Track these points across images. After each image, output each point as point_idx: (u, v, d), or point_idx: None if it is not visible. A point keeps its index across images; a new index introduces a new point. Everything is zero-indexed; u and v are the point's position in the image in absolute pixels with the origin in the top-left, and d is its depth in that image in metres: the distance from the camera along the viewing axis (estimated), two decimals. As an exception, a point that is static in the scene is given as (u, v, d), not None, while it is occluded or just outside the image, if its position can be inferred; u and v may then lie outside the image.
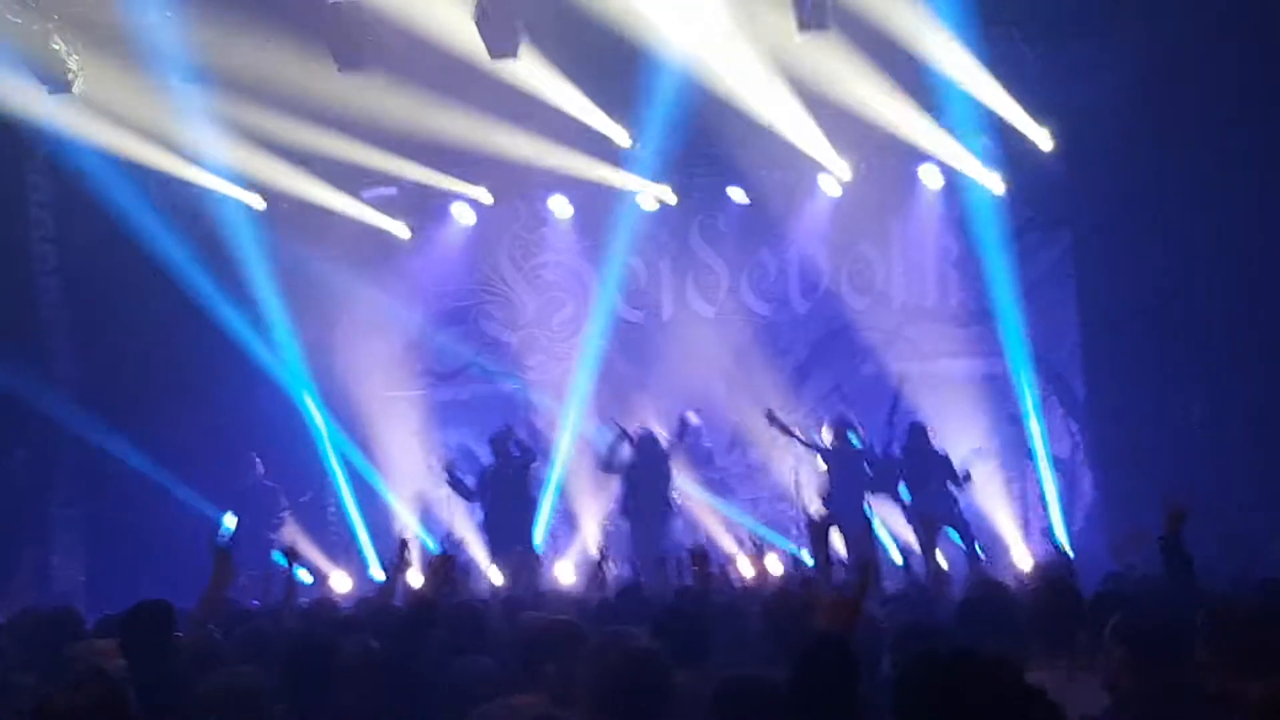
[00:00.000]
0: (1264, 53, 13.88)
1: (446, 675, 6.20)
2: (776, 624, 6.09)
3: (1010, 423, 16.64)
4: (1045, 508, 16.34)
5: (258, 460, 16.22)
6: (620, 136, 16.41)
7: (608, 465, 15.60)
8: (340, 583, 14.91)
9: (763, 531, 16.48)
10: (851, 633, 4.31)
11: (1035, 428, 16.68)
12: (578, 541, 17.02)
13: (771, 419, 15.25)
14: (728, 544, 16.16)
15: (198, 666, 6.04)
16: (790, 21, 13.71)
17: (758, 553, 11.02)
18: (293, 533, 15.66)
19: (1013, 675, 3.44)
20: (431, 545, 15.79)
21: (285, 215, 17.15)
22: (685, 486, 16.39)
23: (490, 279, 18.51)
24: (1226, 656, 4.87)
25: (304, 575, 10.35)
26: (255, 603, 10.64)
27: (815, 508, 14.86)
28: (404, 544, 8.90)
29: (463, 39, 14.05)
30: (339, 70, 14.28)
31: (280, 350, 17.07)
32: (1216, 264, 14.87)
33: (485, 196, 17.79)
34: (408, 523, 16.81)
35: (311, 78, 14.41)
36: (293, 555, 9.85)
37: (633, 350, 17.81)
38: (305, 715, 5.38)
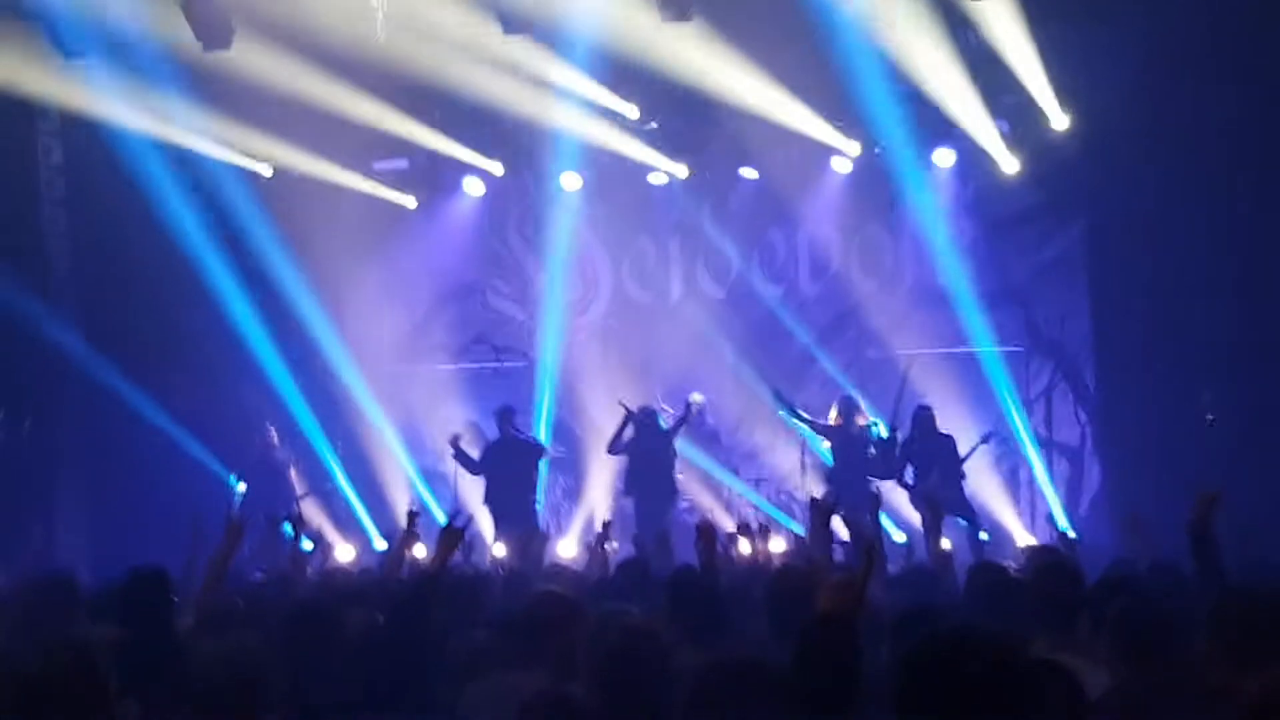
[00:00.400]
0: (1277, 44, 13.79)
1: (447, 649, 6.19)
2: (780, 603, 6.06)
3: (1019, 408, 16.63)
4: (1052, 494, 16.33)
5: (272, 430, 16.19)
6: (630, 111, 16.37)
7: (613, 446, 15.61)
8: (344, 554, 14.90)
9: (767, 511, 16.52)
10: (855, 615, 4.29)
11: (1044, 414, 16.67)
12: (581, 518, 17.05)
13: (779, 399, 15.26)
14: (731, 523, 16.16)
15: (197, 634, 6.04)
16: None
17: (761, 533, 11.00)
18: (306, 504, 15.73)
19: (1016, 652, 3.42)
20: (440, 518, 15.80)
21: (294, 185, 17.07)
22: (689, 466, 16.43)
23: (500, 254, 18.47)
24: (1230, 647, 4.84)
25: (306, 545, 10.33)
26: (259, 572, 10.62)
27: (819, 489, 14.88)
28: (413, 516, 8.90)
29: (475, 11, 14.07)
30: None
31: (289, 323, 17.02)
32: (1229, 256, 14.80)
33: (496, 169, 17.69)
34: (413, 496, 16.86)
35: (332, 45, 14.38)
36: (299, 525, 9.86)
37: (642, 329, 17.78)
38: (304, 685, 5.37)
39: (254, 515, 13.41)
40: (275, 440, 16.17)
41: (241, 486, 15.52)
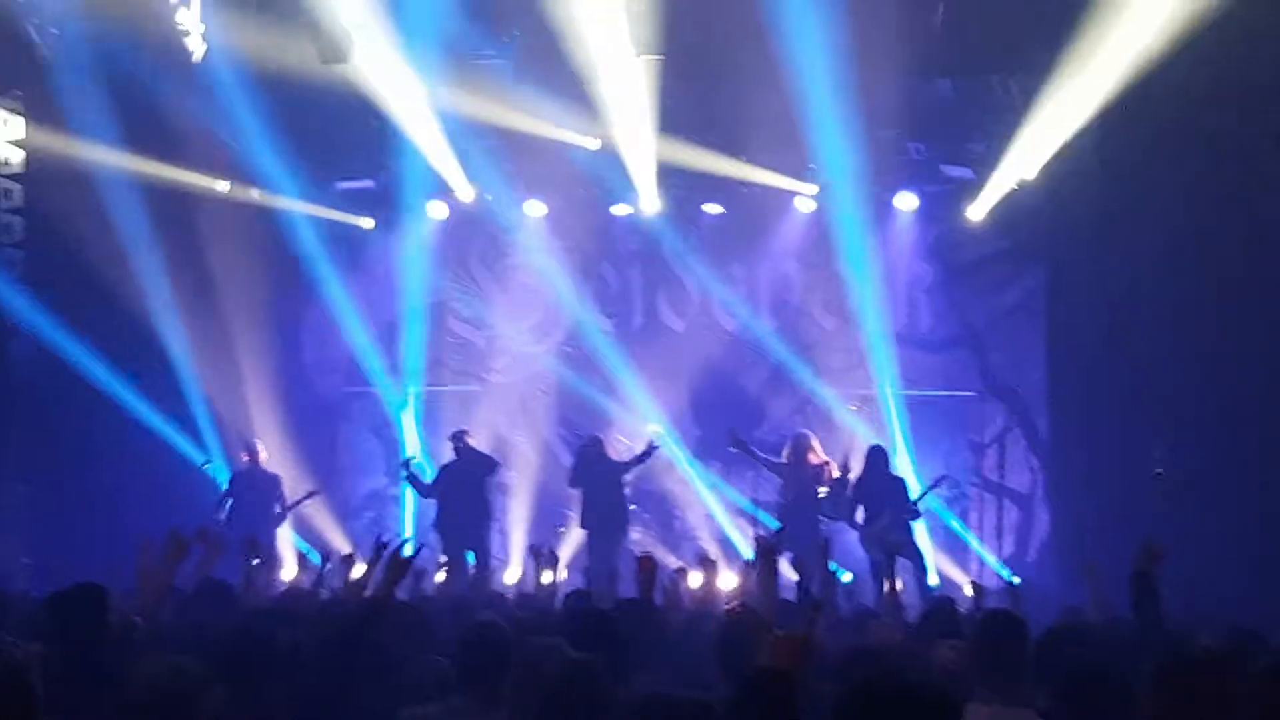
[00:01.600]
0: (1241, 95, 13.90)
1: (385, 674, 6.15)
2: (728, 643, 6.04)
3: (972, 452, 16.69)
4: (999, 540, 16.37)
5: (259, 445, 16.02)
6: (593, 143, 16.41)
7: (572, 479, 15.60)
8: (289, 572, 14.80)
9: (719, 545, 16.51)
10: (796, 671, 4.27)
11: (996, 459, 16.75)
12: (532, 548, 16.95)
13: (734, 439, 15.26)
14: (681, 558, 16.15)
15: (131, 653, 5.96)
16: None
17: (709, 567, 10.98)
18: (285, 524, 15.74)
19: (948, 702, 3.42)
20: (387, 542, 15.67)
21: (253, 202, 16.95)
22: (641, 497, 16.45)
23: (461, 276, 18.42)
24: (1171, 706, 4.84)
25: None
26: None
27: (769, 526, 14.89)
28: (381, 546, 8.83)
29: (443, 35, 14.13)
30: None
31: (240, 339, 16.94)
32: (1188, 311, 14.88)
33: (463, 193, 17.67)
34: (385, 527, 16.75)
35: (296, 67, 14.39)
36: (252, 547, 9.76)
37: (600, 358, 17.74)
38: (239, 707, 5.30)
39: (237, 531, 13.50)
40: (262, 455, 15.94)
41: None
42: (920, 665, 6.31)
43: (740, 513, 16.65)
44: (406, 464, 15.43)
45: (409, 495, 16.30)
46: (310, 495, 15.83)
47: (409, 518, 16.77)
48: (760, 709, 4.17)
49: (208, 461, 15.86)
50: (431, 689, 6.05)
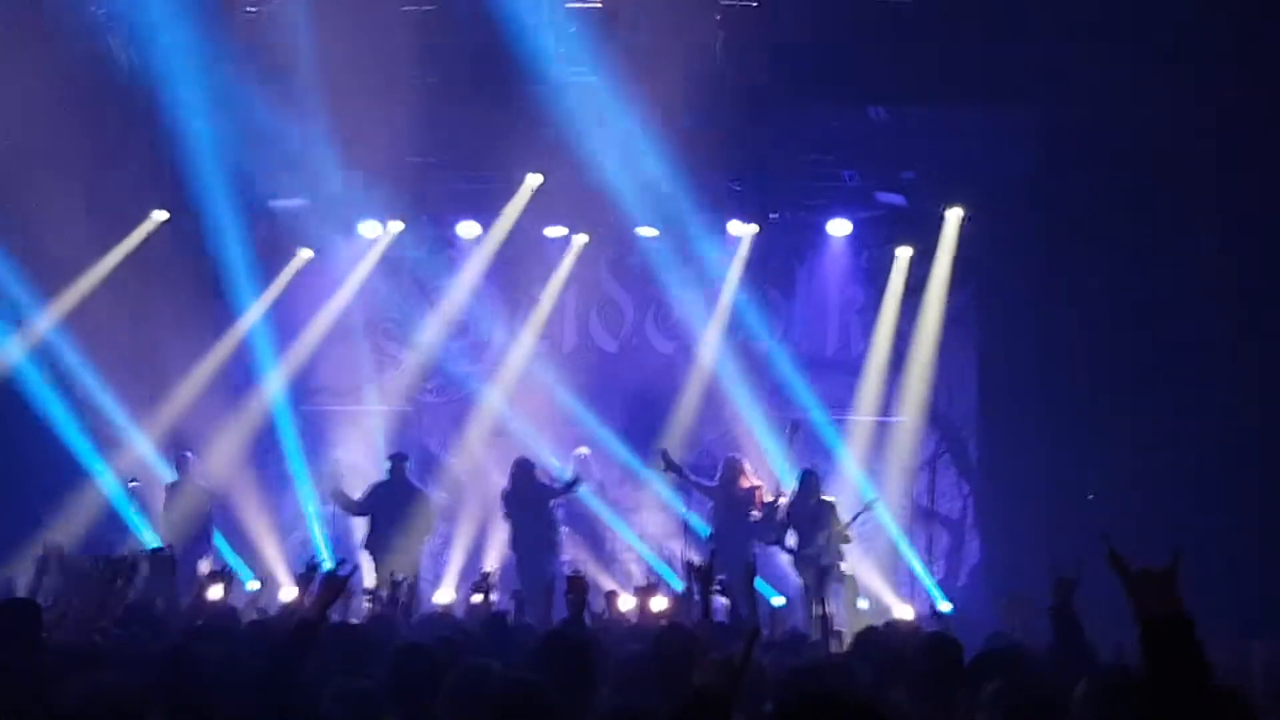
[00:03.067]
0: (1164, 119, 14.09)
1: (317, 696, 6.09)
2: (661, 662, 6.04)
3: (903, 477, 16.76)
4: (930, 565, 16.45)
5: (190, 456, 15.82)
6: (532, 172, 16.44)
7: (502, 503, 15.54)
8: (215, 592, 14.62)
9: (650, 564, 16.52)
10: (731, 697, 4.27)
11: (928, 484, 16.84)
12: (460, 567, 16.89)
13: (665, 460, 15.26)
14: (614, 579, 16.15)
15: (66, 670, 5.87)
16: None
17: (646, 590, 10.98)
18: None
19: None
20: (327, 563, 15.57)
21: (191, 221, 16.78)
22: (572, 519, 16.42)
23: (394, 296, 18.31)
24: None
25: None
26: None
27: (699, 550, 14.88)
28: (313, 569, 8.76)
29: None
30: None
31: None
32: (1118, 335, 15.06)
33: (395, 220, 17.62)
34: (310, 550, 16.63)
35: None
36: (163, 562, 9.62)
37: (533, 378, 17.69)
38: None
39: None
40: (195, 467, 15.74)
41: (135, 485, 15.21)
42: (854, 683, 6.32)
43: (672, 535, 16.65)
44: (335, 478, 15.27)
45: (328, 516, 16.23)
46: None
47: (321, 539, 16.63)
48: None
49: (134, 481, 15.59)
50: (363, 710, 5.99)
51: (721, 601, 9.34)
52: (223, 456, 16.78)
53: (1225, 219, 14.47)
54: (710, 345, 17.58)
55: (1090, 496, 14.52)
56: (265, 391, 17.32)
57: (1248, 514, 14.18)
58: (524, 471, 15.49)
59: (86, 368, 15.95)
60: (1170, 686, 4.16)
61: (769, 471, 15.66)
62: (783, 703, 3.63)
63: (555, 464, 16.36)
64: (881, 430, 16.82)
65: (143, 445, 16.39)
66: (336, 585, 6.27)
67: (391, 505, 15.07)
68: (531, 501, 15.31)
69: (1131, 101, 13.80)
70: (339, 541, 16.53)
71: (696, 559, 9.37)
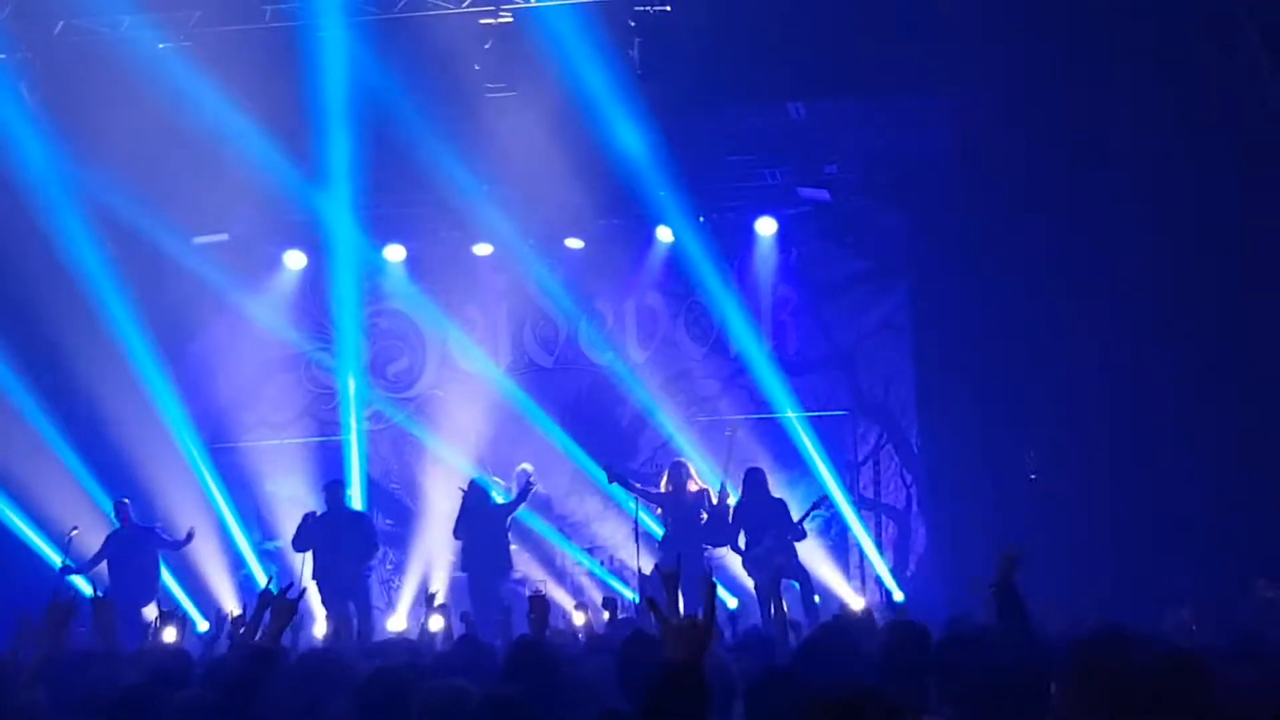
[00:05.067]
0: (1078, 98, 14.23)
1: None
2: (630, 664, 6.00)
3: (846, 471, 16.81)
4: (879, 557, 16.49)
5: (127, 504, 15.58)
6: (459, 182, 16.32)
7: (456, 529, 15.42)
8: (169, 634, 14.43)
9: (601, 578, 16.49)
10: (701, 659, 4.25)
11: (872, 477, 16.90)
12: (410, 592, 16.79)
13: (610, 474, 15.23)
14: (567, 594, 16.10)
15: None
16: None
17: (600, 605, 10.97)
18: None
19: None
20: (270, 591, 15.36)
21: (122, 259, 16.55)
22: (521, 536, 16.35)
23: (324, 326, 18.18)
24: (1083, 701, 4.87)
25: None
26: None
27: (650, 558, 14.85)
28: (267, 595, 8.61)
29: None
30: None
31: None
32: (1050, 316, 15.16)
33: (306, 253, 17.59)
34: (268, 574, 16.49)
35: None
36: (104, 607, 9.42)
37: (469, 399, 17.61)
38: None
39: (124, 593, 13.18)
40: (131, 514, 15.52)
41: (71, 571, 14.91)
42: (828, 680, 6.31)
43: (622, 545, 16.62)
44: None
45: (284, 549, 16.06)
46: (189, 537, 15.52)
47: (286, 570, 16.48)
48: (672, 704, 4.15)
49: (74, 529, 15.27)
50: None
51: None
52: (162, 495, 16.62)
53: (1150, 197, 14.57)
54: (645, 353, 17.58)
55: (1032, 476, 14.63)
56: (190, 432, 17.14)
57: (1189, 483, 14.34)
58: (477, 492, 15.40)
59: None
60: None
61: (712, 474, 15.65)
62: (808, 708, 3.59)
63: (499, 483, 16.27)
64: (822, 425, 16.84)
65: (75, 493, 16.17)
66: (286, 608, 6.16)
67: (332, 533, 14.92)
68: (485, 521, 15.22)
69: (1047, 81, 13.92)
70: (285, 575, 16.36)
71: (658, 566, 9.36)
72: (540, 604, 7.82)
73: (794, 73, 14.66)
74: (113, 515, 15.50)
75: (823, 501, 15.50)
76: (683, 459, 15.74)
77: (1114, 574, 13.61)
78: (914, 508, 16.88)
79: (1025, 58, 13.78)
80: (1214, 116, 13.71)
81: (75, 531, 14.92)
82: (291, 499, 17.24)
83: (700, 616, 4.45)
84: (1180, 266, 14.43)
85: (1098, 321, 14.80)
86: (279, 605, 6.12)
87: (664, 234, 17.14)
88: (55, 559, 14.86)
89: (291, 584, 7.02)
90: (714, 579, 9.26)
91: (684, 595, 9.51)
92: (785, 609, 10.01)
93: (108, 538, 15.29)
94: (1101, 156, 14.44)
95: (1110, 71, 13.84)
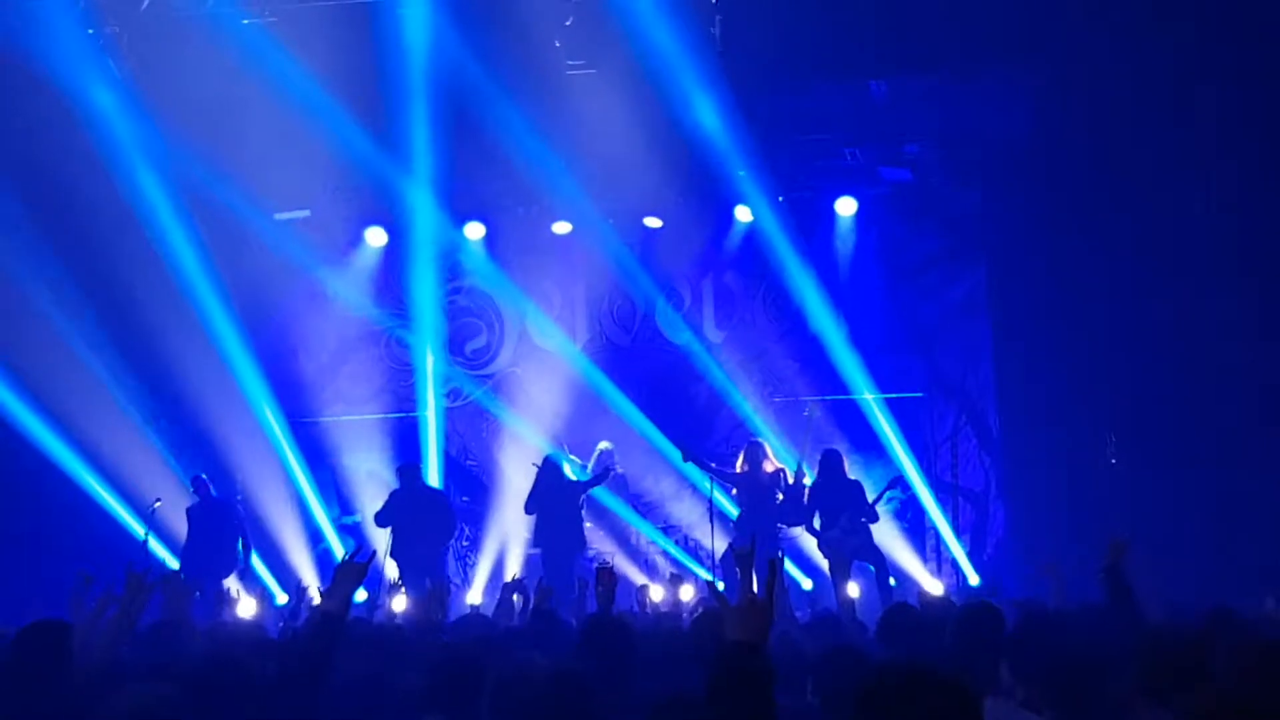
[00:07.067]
0: (1174, 83, 14.03)
1: (356, 697, 6.05)
2: (702, 643, 6.00)
3: (924, 453, 16.70)
4: (956, 539, 16.39)
5: (205, 479, 15.73)
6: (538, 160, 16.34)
7: (528, 505, 15.44)
8: (246, 608, 14.60)
9: (675, 557, 16.50)
10: (764, 638, 4.24)
11: (949, 459, 16.78)
12: (487, 568, 16.86)
13: (686, 453, 15.19)
14: (639, 571, 16.14)
15: (100, 686, 5.83)
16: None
17: (673, 581, 10.95)
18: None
19: (969, 693, 3.41)
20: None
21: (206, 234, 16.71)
22: (597, 514, 16.38)
23: (403, 303, 18.29)
24: (1153, 686, 4.84)
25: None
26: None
27: (725, 537, 14.82)
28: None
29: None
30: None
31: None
32: (1131, 299, 14.99)
33: (386, 230, 17.71)
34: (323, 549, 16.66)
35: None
36: (173, 581, 9.51)
37: (547, 377, 17.66)
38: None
39: (200, 566, 13.31)
40: (211, 490, 15.67)
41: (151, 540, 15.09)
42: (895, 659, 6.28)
43: (697, 525, 16.63)
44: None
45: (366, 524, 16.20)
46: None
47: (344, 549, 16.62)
48: (736, 683, 4.14)
49: (158, 501, 15.45)
50: (405, 710, 5.95)
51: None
52: (243, 470, 16.82)
53: (1237, 180, 14.34)
54: (722, 333, 17.56)
55: (1113, 460, 14.46)
56: (271, 406, 17.29)
57: (1271, 471, 14.14)
58: (550, 468, 15.42)
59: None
60: None
61: (791, 454, 15.60)
62: (868, 686, 3.57)
63: (576, 461, 16.30)
64: (900, 407, 16.75)
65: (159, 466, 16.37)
66: (354, 571, 6.16)
67: (410, 512, 15.02)
68: (560, 498, 15.24)
69: (1130, 53, 13.72)
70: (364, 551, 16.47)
71: (732, 544, 9.34)
72: (608, 576, 7.77)
73: (875, 50, 14.57)
74: (191, 489, 15.68)
75: (898, 482, 15.43)
76: (759, 439, 15.69)
77: (1195, 562, 13.42)
78: (992, 490, 16.74)
79: (1108, 36, 13.58)
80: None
81: (159, 504, 15.09)
82: (370, 474, 17.40)
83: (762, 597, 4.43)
84: (1270, 254, 14.21)
85: (1180, 305, 14.60)
86: (346, 568, 6.10)
87: (743, 213, 17.07)
88: (139, 531, 15.02)
89: (360, 547, 7.02)
90: (780, 559, 9.25)
91: (758, 575, 9.53)
92: (854, 591, 10.00)
93: (187, 512, 15.46)
94: (1184, 134, 14.21)
95: (1194, 54, 13.62)
